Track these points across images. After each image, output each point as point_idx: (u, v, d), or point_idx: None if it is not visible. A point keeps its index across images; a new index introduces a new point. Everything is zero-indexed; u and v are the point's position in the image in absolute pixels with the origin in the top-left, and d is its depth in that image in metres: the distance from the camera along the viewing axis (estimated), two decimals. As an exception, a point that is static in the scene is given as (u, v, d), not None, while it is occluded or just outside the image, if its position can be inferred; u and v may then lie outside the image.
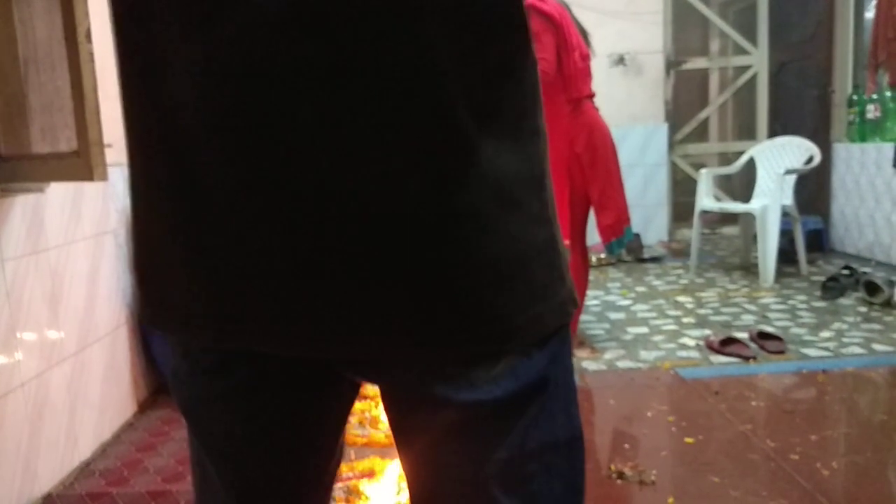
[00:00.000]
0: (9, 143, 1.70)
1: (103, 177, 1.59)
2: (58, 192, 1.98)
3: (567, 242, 2.81)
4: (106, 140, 1.62)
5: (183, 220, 0.59)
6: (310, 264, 0.55)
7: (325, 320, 0.57)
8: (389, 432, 0.72)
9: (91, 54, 1.54)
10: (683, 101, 5.75)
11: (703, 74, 6.28)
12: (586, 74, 2.84)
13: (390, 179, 0.53)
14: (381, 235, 0.54)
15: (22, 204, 1.82)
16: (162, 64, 0.57)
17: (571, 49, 2.74)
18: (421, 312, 0.56)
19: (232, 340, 0.61)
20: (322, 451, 0.73)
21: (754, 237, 4.24)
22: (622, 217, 2.91)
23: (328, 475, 0.75)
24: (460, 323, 0.56)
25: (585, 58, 2.82)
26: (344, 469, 1.94)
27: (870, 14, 4.71)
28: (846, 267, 3.95)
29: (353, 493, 1.83)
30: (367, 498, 1.80)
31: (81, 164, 1.58)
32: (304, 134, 0.53)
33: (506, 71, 0.57)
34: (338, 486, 1.87)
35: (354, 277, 0.55)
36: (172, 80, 0.56)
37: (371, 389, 2.46)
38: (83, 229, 2.14)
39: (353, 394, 0.73)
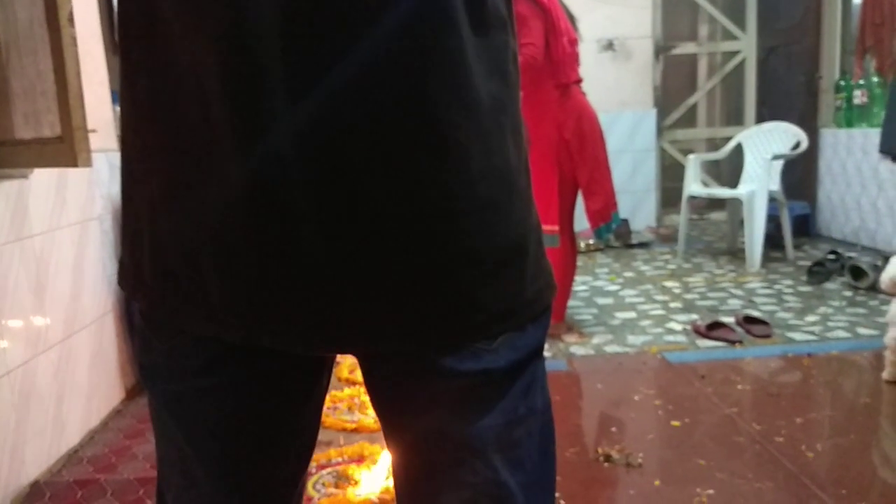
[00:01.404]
0: (-8, 129, 1.67)
1: (87, 163, 1.57)
2: (42, 179, 1.96)
3: (556, 228, 2.81)
4: (90, 125, 1.60)
5: (213, 222, 0.59)
6: (345, 263, 0.57)
7: (358, 320, 0.59)
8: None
9: (74, 38, 1.51)
10: (672, 87, 5.75)
11: (692, 60, 6.28)
12: (574, 60, 2.83)
13: (423, 177, 0.57)
14: (416, 225, 0.57)
15: (5, 190, 1.80)
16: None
17: (560, 34, 2.73)
18: (450, 293, 0.60)
19: (261, 340, 0.62)
20: (307, 431, 0.75)
21: (741, 222, 4.26)
22: (610, 202, 2.92)
23: (309, 452, 0.77)
24: (484, 300, 0.61)
25: (573, 43, 2.82)
26: (333, 454, 1.95)
27: (857, 0, 4.72)
28: (832, 252, 3.98)
29: (342, 477, 1.83)
30: (356, 482, 1.80)
31: (65, 149, 1.56)
32: (350, 148, 0.56)
33: (510, 66, 0.63)
34: (327, 471, 1.87)
35: (389, 270, 0.58)
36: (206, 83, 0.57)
37: (360, 376, 2.47)
38: (68, 216, 2.12)
39: (330, 371, 0.75)
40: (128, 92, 0.63)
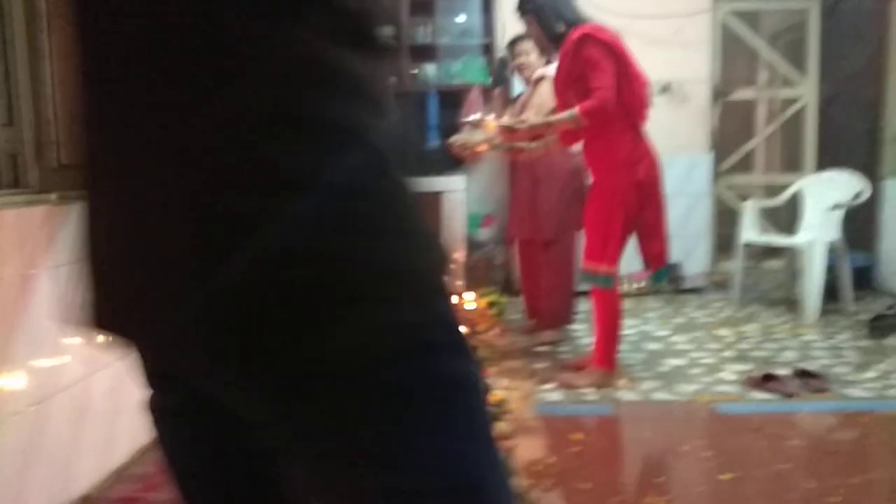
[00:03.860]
0: (68, 152, 1.76)
1: (155, 189, 1.64)
2: (110, 202, 2.05)
3: (614, 269, 2.79)
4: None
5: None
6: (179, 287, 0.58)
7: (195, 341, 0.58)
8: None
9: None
10: (729, 132, 5.68)
11: (750, 105, 6.20)
12: (648, 103, 2.87)
13: (252, 202, 0.55)
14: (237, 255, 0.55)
15: (76, 212, 1.88)
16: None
17: (634, 77, 2.77)
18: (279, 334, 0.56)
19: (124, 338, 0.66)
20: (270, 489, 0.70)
21: (799, 272, 4.15)
22: (667, 245, 2.91)
23: None
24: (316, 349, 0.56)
25: (645, 85, 2.85)
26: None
27: (925, 49, 4.63)
28: (894, 305, 3.84)
29: None
30: None
31: (135, 175, 1.63)
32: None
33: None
34: None
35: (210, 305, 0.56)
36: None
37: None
38: (132, 238, 2.19)
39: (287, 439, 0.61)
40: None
